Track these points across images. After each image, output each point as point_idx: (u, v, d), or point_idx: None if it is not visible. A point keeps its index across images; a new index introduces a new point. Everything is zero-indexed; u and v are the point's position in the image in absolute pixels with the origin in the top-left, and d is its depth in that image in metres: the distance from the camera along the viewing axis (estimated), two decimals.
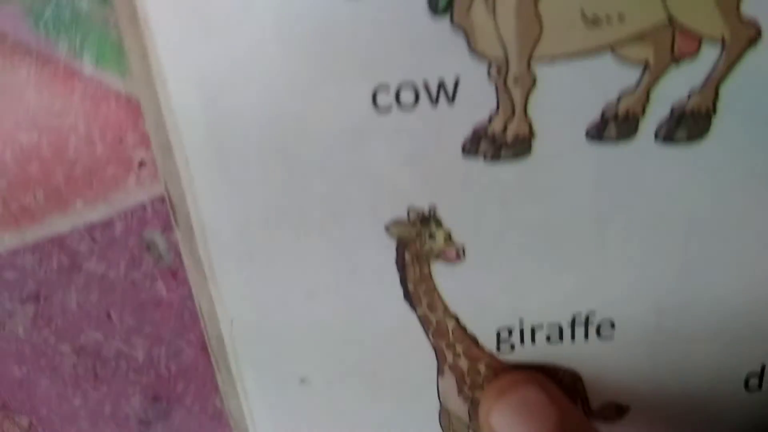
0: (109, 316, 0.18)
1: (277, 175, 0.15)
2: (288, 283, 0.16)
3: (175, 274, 0.17)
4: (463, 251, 0.16)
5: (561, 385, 0.17)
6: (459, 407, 0.18)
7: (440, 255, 0.16)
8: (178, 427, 0.19)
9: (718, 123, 0.14)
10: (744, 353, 0.17)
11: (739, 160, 0.15)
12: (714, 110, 0.14)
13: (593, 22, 0.13)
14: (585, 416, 0.17)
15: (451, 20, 0.13)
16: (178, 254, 0.17)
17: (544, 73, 0.14)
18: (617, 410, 0.18)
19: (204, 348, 0.18)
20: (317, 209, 0.15)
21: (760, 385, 0.17)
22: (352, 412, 0.18)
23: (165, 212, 0.16)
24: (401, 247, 0.16)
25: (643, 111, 0.14)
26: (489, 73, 0.14)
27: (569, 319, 0.17)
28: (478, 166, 0.15)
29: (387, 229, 0.15)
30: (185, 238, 0.16)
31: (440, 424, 0.18)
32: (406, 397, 0.18)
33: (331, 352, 0.17)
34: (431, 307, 0.16)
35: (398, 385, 0.17)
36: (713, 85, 0.14)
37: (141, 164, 0.16)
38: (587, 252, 0.16)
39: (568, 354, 0.17)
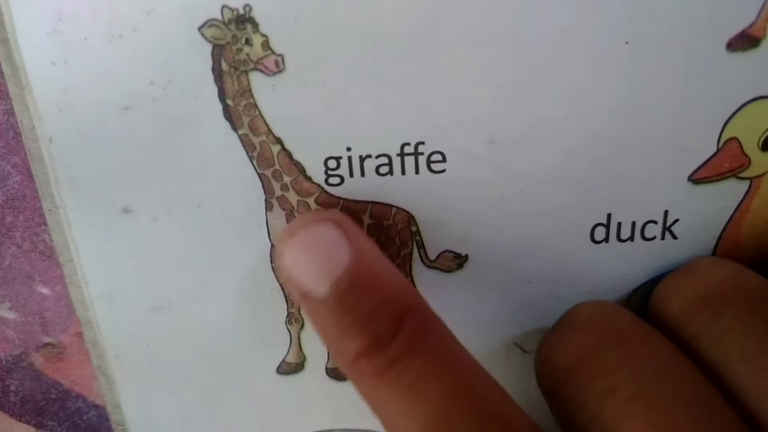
0: None
1: None
2: (103, 94, 0.15)
3: None
4: (282, 60, 0.15)
5: (394, 227, 0.17)
6: None
7: (258, 64, 0.15)
8: (9, 265, 0.18)
9: None
10: (589, 200, 0.16)
11: None
12: None
13: None
14: (384, 255, 0.15)
15: None
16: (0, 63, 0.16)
17: None
18: (455, 259, 0.17)
19: (31, 174, 0.17)
20: (127, 6, 0.15)
21: (606, 237, 0.17)
22: (180, 247, 0.17)
23: None
24: (217, 52, 0.15)
25: None
26: None
27: (398, 150, 0.16)
28: None
29: (200, 31, 0.15)
30: (1, 43, 0.16)
31: (272, 266, 0.17)
32: (235, 233, 0.17)
33: (152, 177, 0.16)
34: (253, 127, 0.16)
35: (226, 221, 0.17)
36: None
37: None
38: (413, 69, 0.15)
39: (400, 189, 0.16)
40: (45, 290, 0.18)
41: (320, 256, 0.15)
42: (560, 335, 0.15)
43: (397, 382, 0.14)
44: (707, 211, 0.16)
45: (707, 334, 0.14)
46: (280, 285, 0.17)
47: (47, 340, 0.19)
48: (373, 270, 0.15)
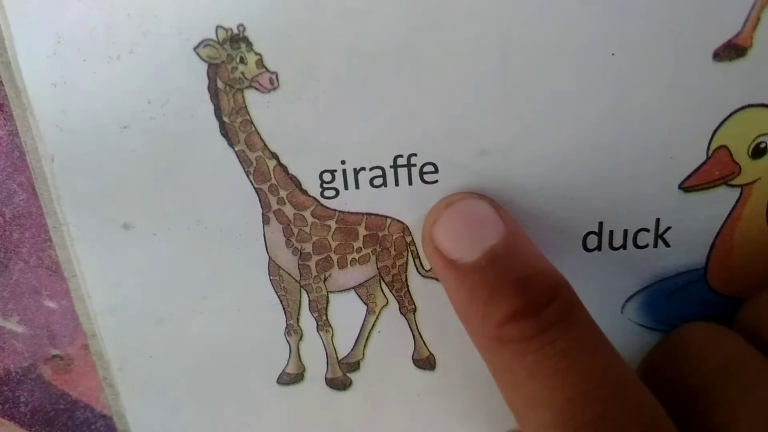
0: None
1: None
2: (102, 113, 0.16)
3: (2, 106, 0.17)
4: (277, 78, 0.15)
5: (389, 238, 0.17)
6: (288, 260, 0.17)
7: (253, 81, 0.15)
8: (17, 280, 0.19)
9: None
10: (580, 209, 0.16)
11: None
12: None
13: None
14: (533, 241, 0.15)
15: None
16: (3, 85, 0.16)
17: None
18: None
19: (35, 192, 0.18)
20: (124, 28, 0.15)
21: (599, 246, 0.17)
22: (180, 262, 0.17)
23: None
24: (212, 71, 0.15)
25: None
26: None
27: (391, 162, 0.16)
28: None
29: (196, 51, 0.15)
30: (4, 66, 0.16)
31: (270, 278, 0.17)
32: (233, 247, 0.17)
33: (152, 194, 0.16)
34: (249, 143, 0.16)
35: (224, 235, 0.17)
36: None
37: None
38: (403, 83, 0.15)
39: (394, 200, 0.16)
40: (52, 304, 0.19)
41: (475, 225, 0.15)
42: (673, 358, 0.15)
43: (549, 349, 0.13)
44: (699, 219, 0.16)
45: None
46: (279, 297, 0.18)
47: (55, 352, 0.19)
48: (527, 244, 0.15)
